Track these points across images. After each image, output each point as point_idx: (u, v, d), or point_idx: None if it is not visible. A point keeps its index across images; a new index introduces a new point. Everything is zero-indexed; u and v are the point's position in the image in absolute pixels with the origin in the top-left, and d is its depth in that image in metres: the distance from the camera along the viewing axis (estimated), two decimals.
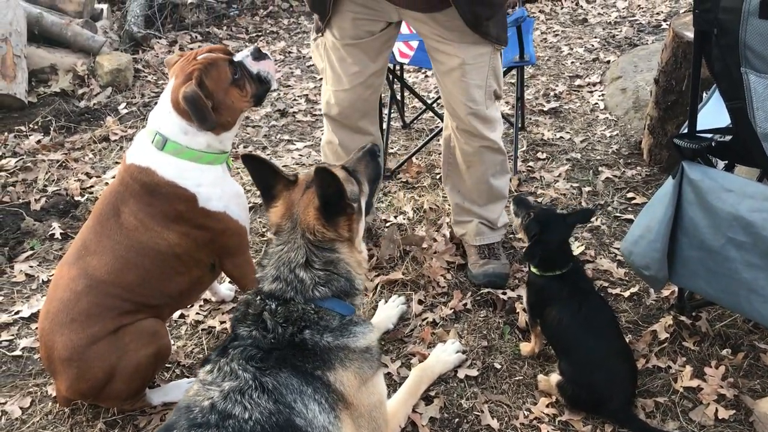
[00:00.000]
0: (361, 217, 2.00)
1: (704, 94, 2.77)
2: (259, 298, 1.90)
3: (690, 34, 3.36)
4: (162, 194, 2.33)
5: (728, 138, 2.26)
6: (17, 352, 2.83)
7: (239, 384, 1.71)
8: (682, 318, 2.74)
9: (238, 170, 3.97)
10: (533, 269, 2.54)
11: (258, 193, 3.85)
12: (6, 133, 4.59)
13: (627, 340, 2.58)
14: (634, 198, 3.62)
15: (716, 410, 2.36)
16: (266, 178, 1.98)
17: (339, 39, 2.77)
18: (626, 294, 2.94)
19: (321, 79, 3.04)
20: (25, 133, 4.64)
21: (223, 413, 1.65)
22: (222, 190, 2.43)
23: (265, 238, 3.50)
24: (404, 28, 2.90)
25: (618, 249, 3.20)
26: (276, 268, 1.90)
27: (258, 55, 2.48)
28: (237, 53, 2.48)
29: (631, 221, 3.40)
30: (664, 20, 6.22)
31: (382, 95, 3.89)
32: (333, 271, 1.90)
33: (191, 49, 6.20)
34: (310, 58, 3.04)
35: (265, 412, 1.68)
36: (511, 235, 3.34)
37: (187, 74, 2.30)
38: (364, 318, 2.03)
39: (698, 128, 2.30)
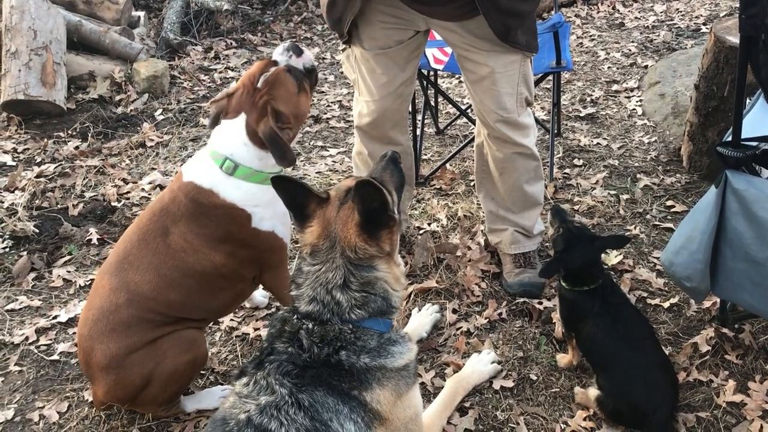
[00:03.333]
0: (399, 228, 1.96)
1: (747, 101, 2.70)
2: (296, 317, 1.86)
3: (732, 39, 3.28)
4: (216, 216, 2.33)
5: None
6: (55, 357, 2.86)
7: (275, 399, 1.69)
8: (725, 330, 2.66)
9: None
10: (563, 283, 2.50)
11: None
12: (45, 139, 4.68)
13: (666, 353, 2.52)
14: (673, 206, 3.55)
15: (761, 427, 2.29)
16: (297, 198, 1.90)
17: (368, 49, 2.76)
18: (666, 305, 2.87)
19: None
20: (63, 139, 4.73)
21: (260, 427, 1.64)
22: (274, 211, 2.42)
23: (299, 245, 3.49)
24: (437, 34, 2.88)
25: (657, 258, 3.14)
26: (312, 288, 1.84)
27: (297, 51, 2.47)
28: (278, 57, 2.45)
29: (670, 230, 3.34)
30: (704, 24, 6.10)
31: (416, 101, 3.88)
32: (370, 292, 1.84)
33: (226, 55, 6.29)
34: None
35: (302, 429, 1.66)
36: (547, 244, 3.30)
37: (259, 108, 2.30)
38: (403, 333, 1.98)
39: (743, 136, 2.24)
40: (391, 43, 2.73)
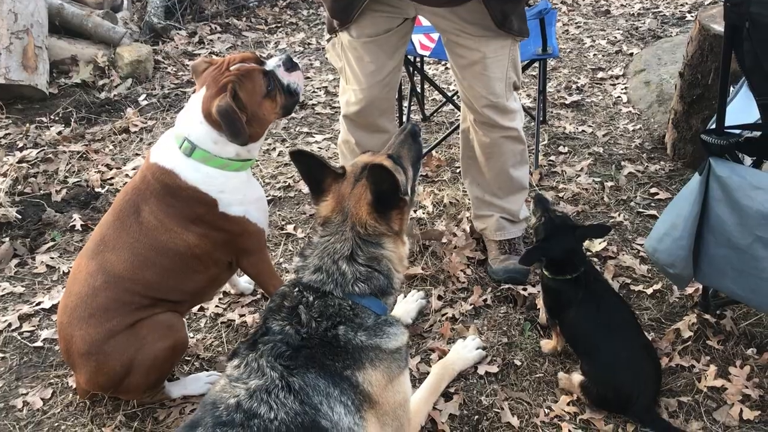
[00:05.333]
0: (410, 207, 2.00)
1: (731, 89, 2.71)
2: (297, 289, 1.89)
3: (717, 27, 3.30)
4: (182, 197, 2.33)
5: (757, 134, 2.21)
6: (38, 343, 2.84)
7: (265, 383, 1.70)
8: (707, 316, 2.69)
9: (257, 163, 3.96)
10: (545, 272, 2.52)
11: (277, 185, 3.87)
12: (27, 124, 4.62)
13: (649, 339, 2.54)
14: (657, 193, 3.57)
15: (741, 411, 2.32)
16: (315, 172, 1.96)
17: (356, 37, 2.74)
18: (649, 291, 2.90)
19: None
20: (46, 125, 4.67)
21: (249, 412, 1.64)
22: (244, 196, 2.43)
23: (284, 231, 3.49)
24: (424, 20, 2.87)
25: (641, 245, 3.16)
26: (320, 258, 1.90)
27: (290, 65, 2.45)
28: (268, 61, 2.45)
29: (654, 217, 3.36)
30: (689, 12, 6.12)
31: (402, 87, 3.87)
32: (375, 268, 1.89)
33: (211, 40, 6.24)
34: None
35: (291, 413, 1.66)
36: (532, 230, 3.31)
37: (220, 86, 2.27)
38: (397, 318, 2.01)
39: (726, 124, 2.25)
40: (380, 31, 2.72)
